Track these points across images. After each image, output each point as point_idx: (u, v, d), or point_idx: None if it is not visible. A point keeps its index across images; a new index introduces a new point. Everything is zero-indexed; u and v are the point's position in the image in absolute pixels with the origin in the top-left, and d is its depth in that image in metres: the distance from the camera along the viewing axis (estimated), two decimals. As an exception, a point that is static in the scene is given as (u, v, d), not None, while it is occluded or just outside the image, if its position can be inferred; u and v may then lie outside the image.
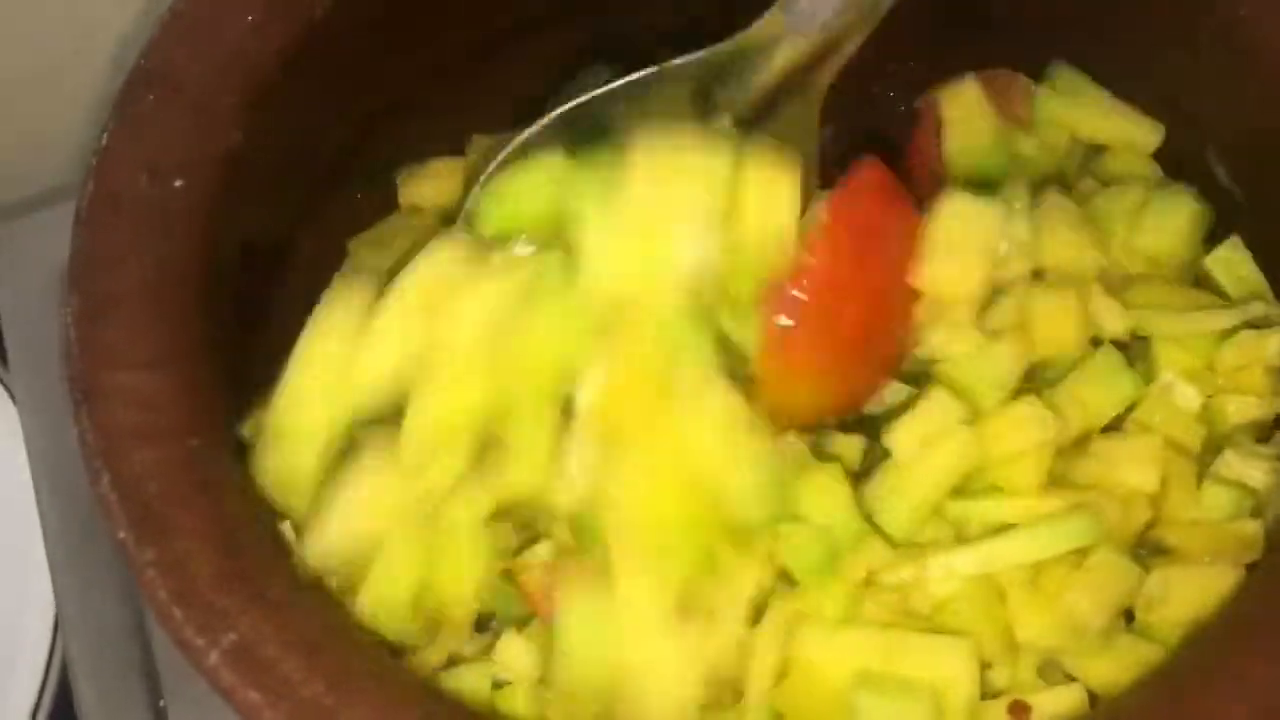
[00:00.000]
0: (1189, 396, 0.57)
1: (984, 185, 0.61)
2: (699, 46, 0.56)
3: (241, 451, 0.54)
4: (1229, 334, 0.58)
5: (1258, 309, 0.59)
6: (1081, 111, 0.66)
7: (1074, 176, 0.66)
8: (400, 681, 0.48)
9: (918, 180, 0.68)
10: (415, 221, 0.66)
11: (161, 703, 0.68)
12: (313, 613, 0.48)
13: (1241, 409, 0.58)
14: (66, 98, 0.83)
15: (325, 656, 0.47)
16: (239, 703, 0.46)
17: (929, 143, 0.66)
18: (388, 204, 0.68)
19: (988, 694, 0.53)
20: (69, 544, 0.72)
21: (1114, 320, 0.58)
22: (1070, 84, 0.67)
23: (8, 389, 0.79)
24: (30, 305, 0.77)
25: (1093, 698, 0.53)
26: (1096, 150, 0.67)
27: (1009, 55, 0.67)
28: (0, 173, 0.85)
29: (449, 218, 0.65)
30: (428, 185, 0.68)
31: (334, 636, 0.48)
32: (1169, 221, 0.62)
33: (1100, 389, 0.58)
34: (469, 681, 0.54)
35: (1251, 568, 0.54)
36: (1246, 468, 0.56)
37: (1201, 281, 0.62)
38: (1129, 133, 0.66)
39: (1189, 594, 0.53)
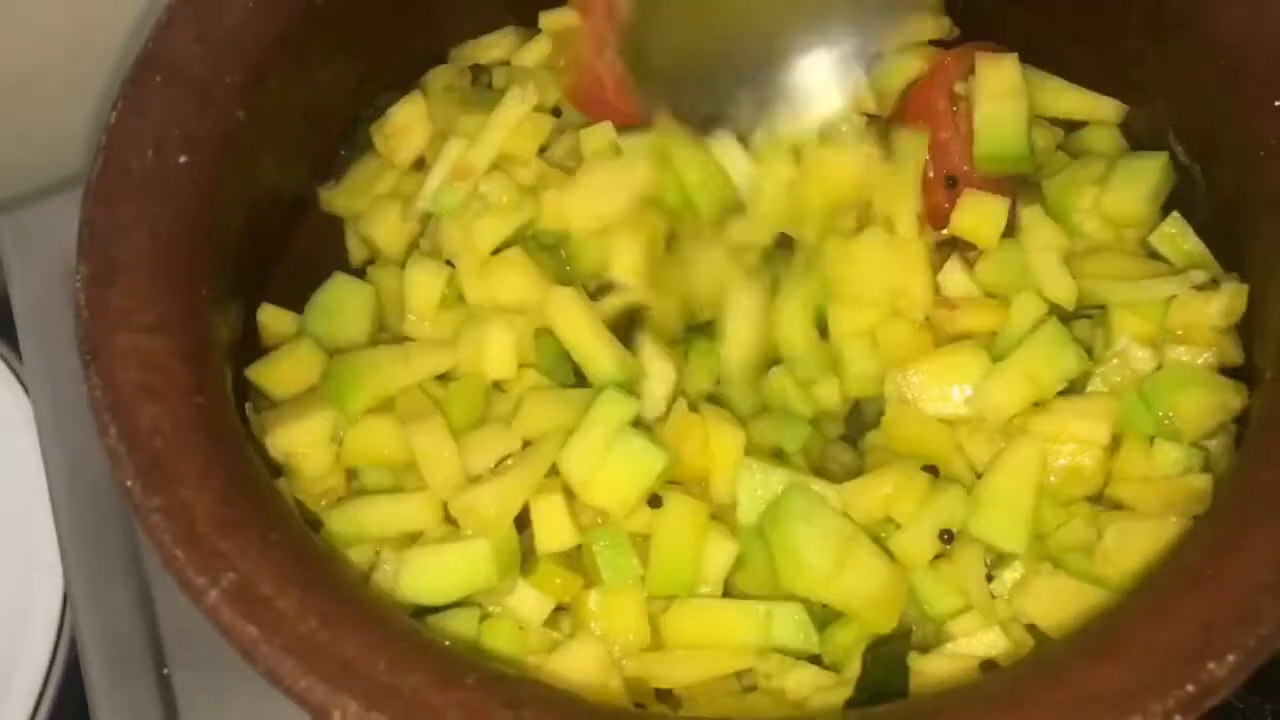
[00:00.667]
0: (1143, 359, 0.60)
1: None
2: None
3: (243, 407, 0.57)
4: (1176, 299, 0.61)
5: (1201, 276, 0.61)
6: (1048, 93, 0.70)
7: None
8: (389, 618, 0.51)
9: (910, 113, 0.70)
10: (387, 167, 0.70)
11: (165, 670, 0.71)
12: (307, 555, 0.51)
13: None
14: (71, 93, 0.86)
15: (318, 595, 0.49)
16: (237, 637, 0.48)
17: (939, 96, 0.68)
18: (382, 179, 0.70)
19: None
20: (79, 524, 0.75)
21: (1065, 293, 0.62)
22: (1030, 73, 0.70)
23: (20, 380, 0.81)
24: (42, 297, 0.80)
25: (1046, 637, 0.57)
26: (1069, 131, 0.70)
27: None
28: (8, 166, 0.88)
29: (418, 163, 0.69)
30: (397, 137, 0.70)
31: (326, 577, 0.51)
32: (1136, 182, 0.65)
33: (1047, 363, 0.61)
34: (457, 622, 0.57)
35: (1199, 518, 0.56)
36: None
37: (1154, 255, 0.64)
38: (1092, 107, 0.69)
39: (1141, 545, 0.56)
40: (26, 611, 0.76)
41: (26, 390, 0.80)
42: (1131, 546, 0.56)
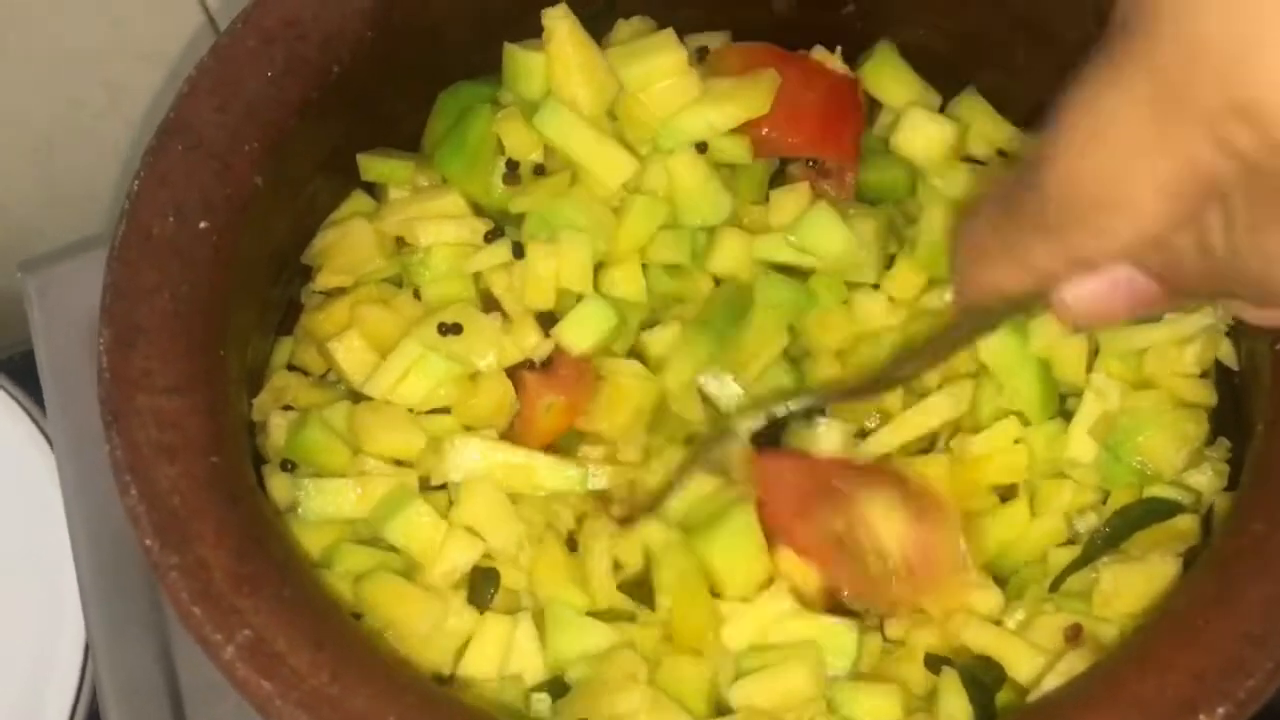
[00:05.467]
0: (1111, 397, 0.62)
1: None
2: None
3: (258, 466, 0.59)
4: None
5: (1193, 324, 0.63)
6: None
7: None
8: (397, 673, 0.52)
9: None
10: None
11: (184, 724, 0.72)
12: (319, 612, 0.53)
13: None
14: (96, 155, 0.88)
15: (330, 650, 0.51)
16: (252, 693, 0.50)
17: None
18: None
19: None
20: (100, 579, 0.76)
21: None
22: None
23: (45, 435, 0.83)
24: (66, 353, 0.82)
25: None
26: None
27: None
28: (34, 226, 0.90)
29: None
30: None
31: (338, 633, 0.52)
32: None
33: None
34: None
35: (1190, 568, 0.58)
36: (1192, 471, 0.62)
37: None
38: None
39: (1135, 586, 0.58)
40: (48, 664, 0.77)
41: (51, 445, 0.82)
42: (1126, 589, 0.58)
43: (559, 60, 0.65)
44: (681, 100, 0.66)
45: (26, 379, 0.85)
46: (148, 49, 0.83)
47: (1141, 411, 0.61)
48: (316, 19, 0.63)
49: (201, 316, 0.58)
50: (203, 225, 0.59)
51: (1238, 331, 0.63)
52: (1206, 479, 0.61)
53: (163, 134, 0.61)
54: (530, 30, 0.67)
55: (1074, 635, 0.58)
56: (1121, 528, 0.61)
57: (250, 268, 0.61)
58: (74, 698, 0.77)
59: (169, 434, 0.55)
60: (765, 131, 0.68)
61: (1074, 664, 0.55)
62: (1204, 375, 0.63)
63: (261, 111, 0.62)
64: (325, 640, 0.51)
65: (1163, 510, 0.61)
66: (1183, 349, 0.62)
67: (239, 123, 0.61)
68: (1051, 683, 0.55)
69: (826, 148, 0.69)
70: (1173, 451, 0.61)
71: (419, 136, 0.70)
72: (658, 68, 0.66)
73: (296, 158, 0.63)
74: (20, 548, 0.81)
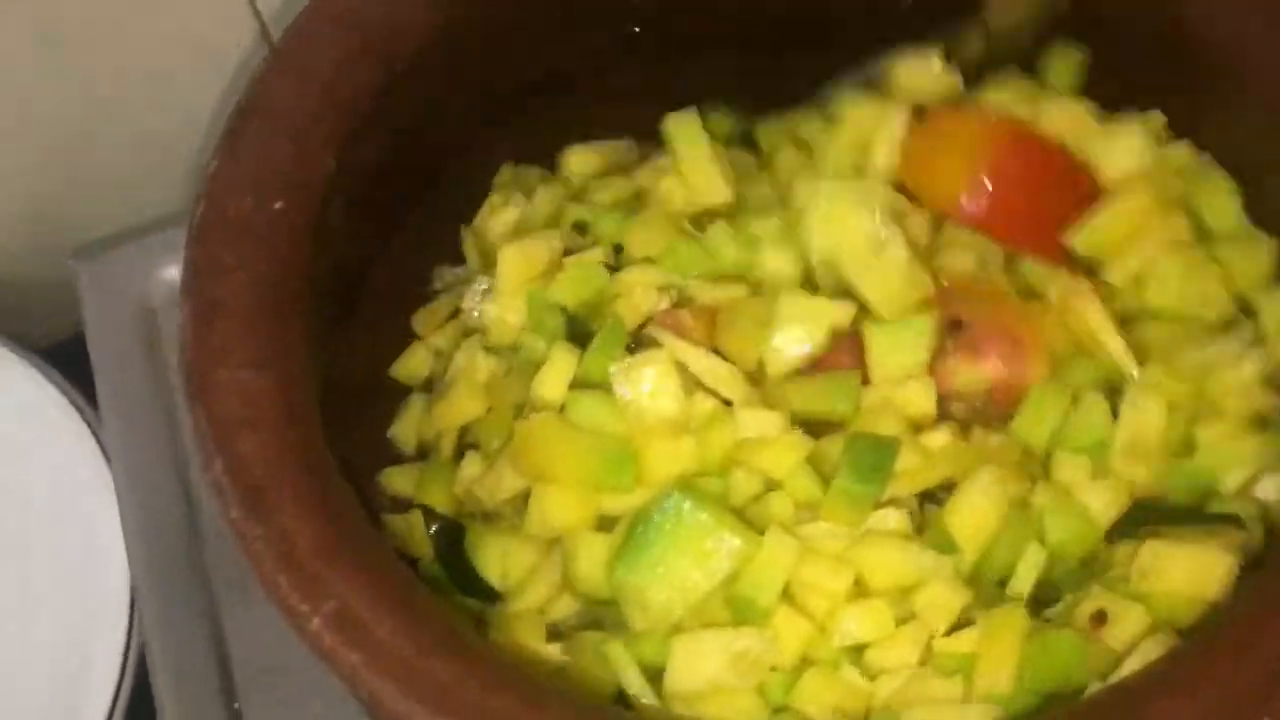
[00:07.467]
0: (1153, 412, 0.61)
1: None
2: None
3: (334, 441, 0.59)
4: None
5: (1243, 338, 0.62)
6: None
7: None
8: (474, 645, 0.53)
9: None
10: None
11: (236, 705, 0.72)
12: (405, 582, 0.53)
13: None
14: (140, 146, 0.88)
15: (410, 621, 0.51)
16: (340, 663, 0.50)
17: None
18: (455, 228, 0.73)
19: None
20: (152, 564, 0.76)
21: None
22: None
23: (95, 434, 0.82)
24: (117, 341, 0.83)
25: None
26: None
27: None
28: (81, 215, 0.90)
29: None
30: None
31: (415, 605, 0.52)
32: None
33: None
34: None
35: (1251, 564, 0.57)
36: (1266, 486, 0.60)
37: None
38: None
39: (1181, 567, 0.57)
40: (91, 657, 0.76)
41: (93, 434, 0.82)
42: (1173, 568, 0.57)
43: None
44: None
45: (71, 366, 0.85)
46: (193, 41, 0.84)
47: (1198, 438, 0.60)
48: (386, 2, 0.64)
49: (278, 293, 0.58)
50: (278, 205, 0.60)
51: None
52: (1275, 485, 0.59)
53: (239, 114, 0.62)
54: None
55: (1098, 622, 0.57)
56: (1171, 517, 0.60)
57: (325, 245, 0.62)
58: (115, 689, 0.76)
59: (249, 408, 0.55)
60: None
61: (1151, 649, 0.55)
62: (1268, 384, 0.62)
63: (334, 94, 0.63)
64: (404, 611, 0.51)
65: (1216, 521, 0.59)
66: (1239, 361, 0.61)
67: (314, 105, 0.62)
68: (1130, 667, 0.55)
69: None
70: (1233, 472, 0.60)
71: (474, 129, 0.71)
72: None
73: (369, 141, 0.64)
74: (67, 536, 0.81)
